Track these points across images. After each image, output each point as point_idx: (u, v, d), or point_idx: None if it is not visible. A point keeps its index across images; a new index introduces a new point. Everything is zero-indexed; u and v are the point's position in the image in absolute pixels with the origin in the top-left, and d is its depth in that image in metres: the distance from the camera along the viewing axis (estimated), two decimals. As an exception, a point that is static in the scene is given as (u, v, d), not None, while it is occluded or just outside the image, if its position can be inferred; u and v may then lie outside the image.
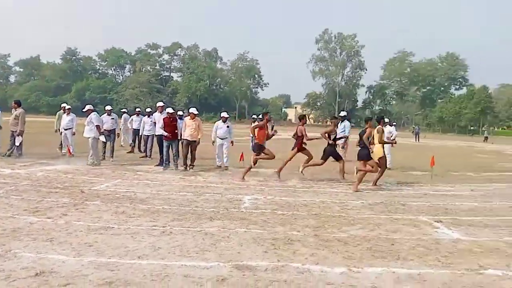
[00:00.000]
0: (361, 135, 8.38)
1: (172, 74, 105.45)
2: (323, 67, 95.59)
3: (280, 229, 4.94)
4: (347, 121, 11.22)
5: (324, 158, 9.12)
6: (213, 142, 10.96)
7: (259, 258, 3.82)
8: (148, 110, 13.50)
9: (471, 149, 26.18)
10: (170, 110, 10.56)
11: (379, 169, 8.35)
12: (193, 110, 10.63)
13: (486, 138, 44.06)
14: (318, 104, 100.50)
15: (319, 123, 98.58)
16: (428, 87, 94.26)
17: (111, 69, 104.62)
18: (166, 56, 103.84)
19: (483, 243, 4.61)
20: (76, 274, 3.26)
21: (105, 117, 11.96)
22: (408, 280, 3.40)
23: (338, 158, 9.29)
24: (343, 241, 4.50)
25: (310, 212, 5.94)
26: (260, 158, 9.30)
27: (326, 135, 9.09)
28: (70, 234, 4.37)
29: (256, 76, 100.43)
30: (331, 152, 9.13)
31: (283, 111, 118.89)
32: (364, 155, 8.23)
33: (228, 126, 10.86)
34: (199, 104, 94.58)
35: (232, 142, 11.03)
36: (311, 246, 4.25)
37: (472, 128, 75.12)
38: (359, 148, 8.40)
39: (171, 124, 10.19)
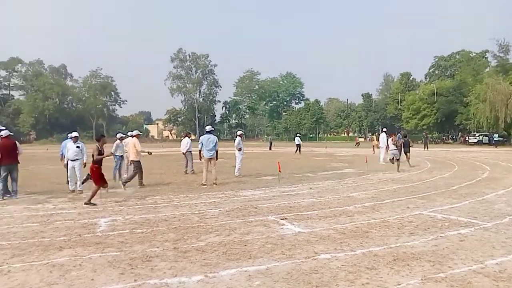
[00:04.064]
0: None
1: (12, 93, 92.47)
2: (180, 84, 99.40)
3: (138, 248, 4.83)
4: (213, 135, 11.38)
5: None
6: (66, 164, 10.14)
7: (115, 281, 3.68)
8: None
9: (310, 153, 30.22)
10: (4, 132, 9.20)
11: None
12: None
13: (358, 144, 49.64)
14: (179, 119, 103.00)
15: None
16: (274, 102, 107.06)
17: None
18: (2, 72, 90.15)
19: (318, 233, 5.47)
20: None
21: None
22: (257, 276, 3.80)
23: None
24: (201, 249, 4.70)
25: (170, 226, 5.97)
26: None
27: None
28: None
29: (113, 93, 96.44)
30: None
31: (144, 128, 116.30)
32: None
33: (78, 146, 10.01)
34: (48, 124, 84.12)
35: (85, 163, 10.22)
36: (169, 260, 4.30)
37: (311, 136, 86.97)
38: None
39: (9, 147, 9.03)
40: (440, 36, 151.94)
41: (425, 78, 78.41)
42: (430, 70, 77.63)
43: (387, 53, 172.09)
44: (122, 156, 12.75)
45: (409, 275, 3.75)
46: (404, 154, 15.86)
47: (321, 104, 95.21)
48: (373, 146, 30.37)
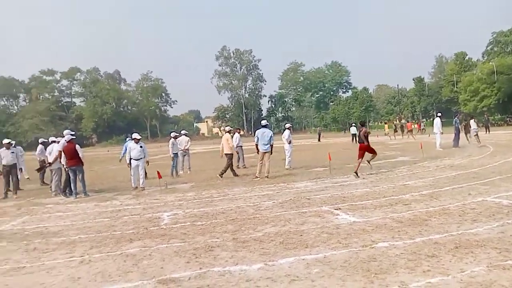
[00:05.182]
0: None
1: (74, 100, 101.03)
2: (226, 82, 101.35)
3: (200, 238, 5.14)
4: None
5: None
6: (129, 164, 10.89)
7: (182, 269, 3.98)
8: (52, 139, 12.26)
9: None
10: (67, 137, 10.04)
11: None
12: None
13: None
14: (227, 116, 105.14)
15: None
16: (320, 93, 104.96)
17: (2, 100, 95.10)
18: (64, 82, 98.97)
19: (374, 222, 5.43)
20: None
21: (3, 151, 10.95)
22: (316, 264, 3.90)
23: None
24: (258, 239, 4.89)
25: (228, 218, 6.25)
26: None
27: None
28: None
29: (163, 94, 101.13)
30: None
31: (194, 126, 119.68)
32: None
33: (141, 146, 10.74)
34: (107, 128, 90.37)
35: (147, 162, 10.99)
36: (230, 250, 4.54)
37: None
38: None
39: (70, 150, 9.93)
40: (496, 9, 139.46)
41: (483, 56, 72.69)
42: (488, 48, 71.77)
43: (438, 34, 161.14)
44: (177, 154, 13.39)
45: (473, 262, 3.65)
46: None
47: (369, 92, 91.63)
48: (386, 134, 32.67)
